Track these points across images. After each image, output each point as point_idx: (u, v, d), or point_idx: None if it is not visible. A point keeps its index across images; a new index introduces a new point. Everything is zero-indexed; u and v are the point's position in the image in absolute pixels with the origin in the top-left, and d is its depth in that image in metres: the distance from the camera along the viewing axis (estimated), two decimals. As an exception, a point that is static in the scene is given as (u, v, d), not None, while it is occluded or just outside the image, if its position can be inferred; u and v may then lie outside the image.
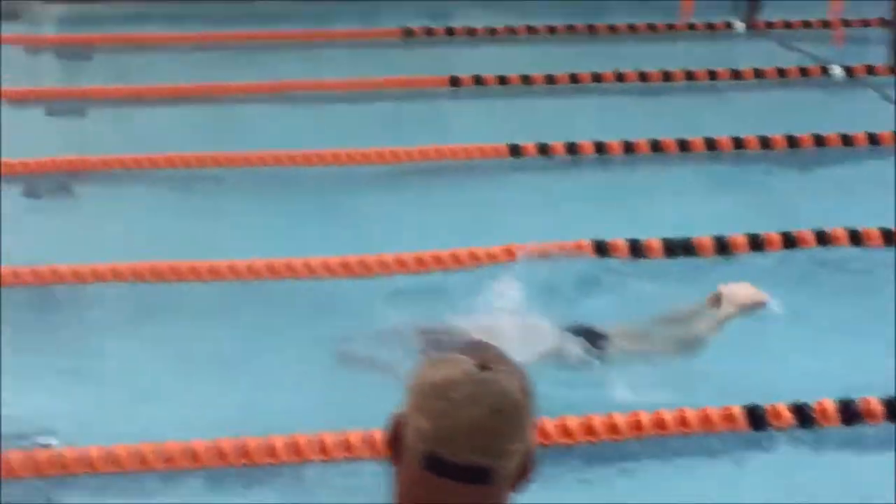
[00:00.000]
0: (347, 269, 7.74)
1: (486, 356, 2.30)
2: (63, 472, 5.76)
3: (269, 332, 7.09)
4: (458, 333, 6.47)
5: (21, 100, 11.18)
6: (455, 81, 11.63)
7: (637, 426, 6.06)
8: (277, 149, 9.76)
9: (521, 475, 2.33)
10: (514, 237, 8.05)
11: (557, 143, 9.89)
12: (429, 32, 13.37)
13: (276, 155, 9.71)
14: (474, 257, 7.89)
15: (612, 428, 6.05)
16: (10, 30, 13.42)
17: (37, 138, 10.39)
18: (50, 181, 9.28)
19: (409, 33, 13.28)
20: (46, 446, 5.91)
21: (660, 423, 6.09)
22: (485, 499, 2.25)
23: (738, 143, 10.06)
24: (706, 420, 6.15)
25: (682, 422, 6.12)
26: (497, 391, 2.25)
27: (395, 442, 2.31)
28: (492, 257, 7.90)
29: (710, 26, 13.76)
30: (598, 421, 6.06)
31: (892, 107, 11.13)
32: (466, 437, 2.22)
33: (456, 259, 7.88)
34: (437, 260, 7.87)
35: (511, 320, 6.71)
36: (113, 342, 7.10)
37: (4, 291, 7.47)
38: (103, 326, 7.31)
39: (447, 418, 2.22)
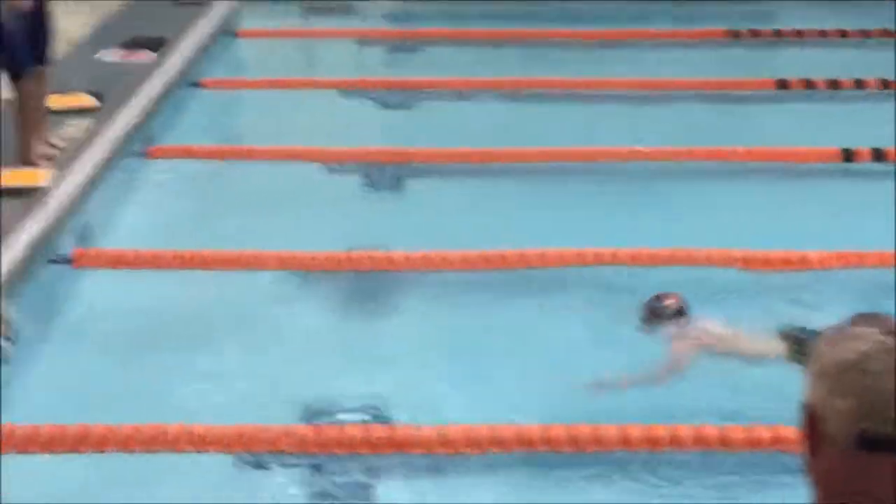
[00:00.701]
0: (658, 260, 7.74)
1: (887, 324, 2.28)
2: (375, 450, 5.93)
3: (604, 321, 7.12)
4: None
5: (352, 90, 11.61)
6: (782, 84, 11.38)
7: None
8: (591, 146, 9.80)
9: None
10: (838, 243, 7.83)
11: (891, 148, 9.53)
12: (754, 34, 13.14)
13: (603, 151, 9.75)
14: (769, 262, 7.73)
15: None
16: (343, 24, 14.01)
17: (367, 128, 10.79)
18: (381, 170, 9.58)
19: (734, 34, 13.07)
20: (363, 423, 6.11)
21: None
22: None
23: None
24: None
25: None
26: None
27: (812, 431, 2.29)
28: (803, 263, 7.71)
29: None
30: None
31: None
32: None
33: (766, 261, 7.74)
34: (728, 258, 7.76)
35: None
36: (436, 325, 7.28)
37: (341, 275, 7.77)
38: (430, 310, 7.50)
39: (871, 392, 2.21)
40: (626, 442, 5.91)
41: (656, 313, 6.68)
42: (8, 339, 6.62)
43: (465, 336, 7.10)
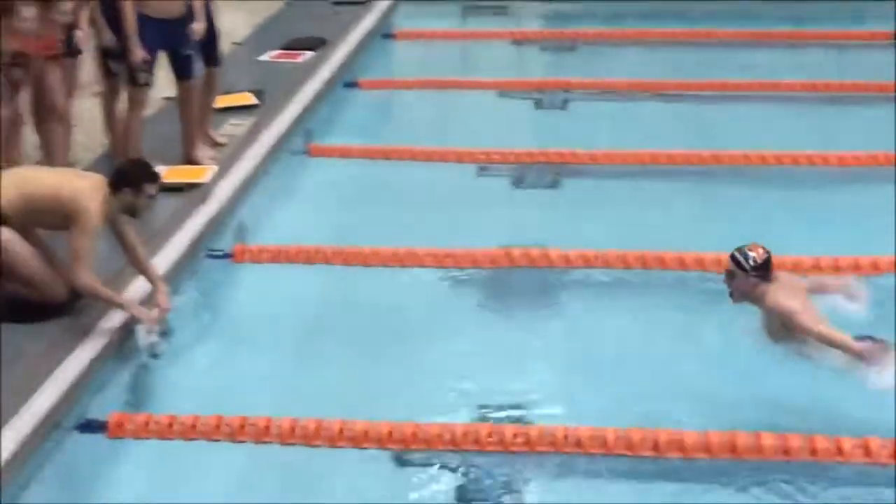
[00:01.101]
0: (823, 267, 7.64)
1: None
2: (527, 448, 5.93)
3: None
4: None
5: (508, 91, 11.65)
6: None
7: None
8: (760, 148, 9.64)
9: None
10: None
11: None
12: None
13: (762, 155, 9.59)
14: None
15: None
16: (499, 25, 14.05)
17: (523, 129, 10.80)
18: (536, 171, 9.59)
19: (899, 36, 12.77)
20: (515, 421, 6.12)
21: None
22: None
23: None
24: None
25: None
26: None
27: None
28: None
29: None
30: None
31: None
32: None
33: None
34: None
35: None
36: (591, 324, 7.26)
37: (500, 272, 7.81)
38: (582, 308, 7.49)
39: None
40: (786, 452, 5.88)
41: (741, 265, 6.25)
42: (163, 333, 6.81)
43: (619, 335, 7.06)
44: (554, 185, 9.40)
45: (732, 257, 6.30)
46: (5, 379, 6.01)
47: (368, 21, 13.70)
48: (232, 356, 6.92)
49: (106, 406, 6.24)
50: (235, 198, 8.82)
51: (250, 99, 10.32)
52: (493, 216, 8.76)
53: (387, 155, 9.83)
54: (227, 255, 8.06)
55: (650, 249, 7.89)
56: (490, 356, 6.84)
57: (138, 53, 8.25)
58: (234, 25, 12.67)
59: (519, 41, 13.62)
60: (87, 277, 6.59)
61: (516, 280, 7.76)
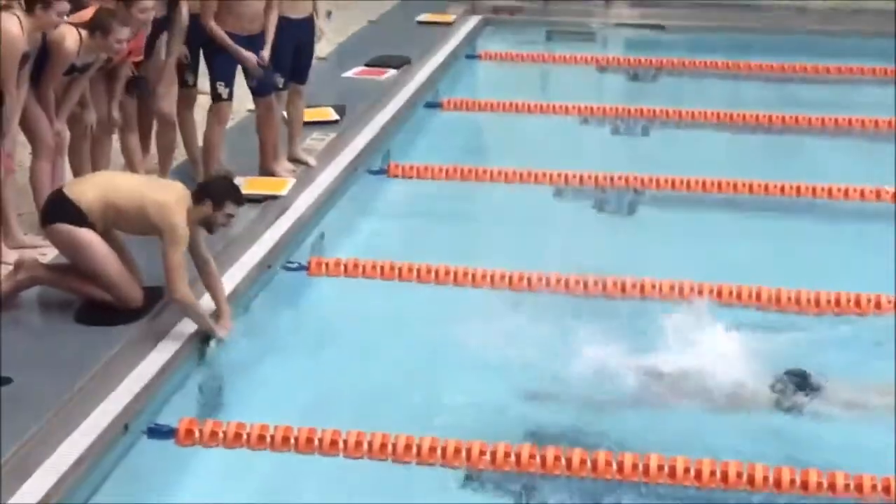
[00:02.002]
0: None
1: None
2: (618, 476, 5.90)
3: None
4: None
5: (589, 117, 11.62)
6: None
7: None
8: (839, 182, 9.53)
9: None
10: None
11: None
12: None
13: (843, 189, 9.49)
14: None
15: None
16: (584, 50, 14.02)
17: (602, 154, 10.76)
18: (614, 196, 9.55)
19: None
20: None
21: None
22: None
23: None
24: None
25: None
26: None
27: None
28: None
29: None
30: None
31: None
32: None
33: None
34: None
35: None
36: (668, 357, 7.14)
37: (571, 299, 7.77)
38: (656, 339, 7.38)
39: None
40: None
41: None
42: (219, 340, 6.86)
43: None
44: (631, 211, 9.36)
45: None
46: (79, 381, 6.08)
47: (453, 41, 13.74)
48: (303, 367, 6.94)
49: (176, 412, 6.29)
50: (313, 212, 8.87)
51: (331, 114, 10.38)
52: (569, 240, 8.70)
53: (465, 176, 9.83)
54: (302, 268, 8.10)
55: (726, 282, 7.81)
56: (559, 383, 6.80)
57: (252, 57, 8.36)
58: (318, 42, 12.77)
59: (603, 67, 13.60)
60: (185, 291, 6.66)
61: (588, 308, 7.69)
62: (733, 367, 6.78)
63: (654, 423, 6.43)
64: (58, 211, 6.76)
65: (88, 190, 6.78)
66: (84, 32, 7.45)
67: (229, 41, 8.32)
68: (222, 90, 8.47)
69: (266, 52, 8.49)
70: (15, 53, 7.07)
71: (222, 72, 8.46)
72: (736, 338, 7.07)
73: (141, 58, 8.25)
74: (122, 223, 6.80)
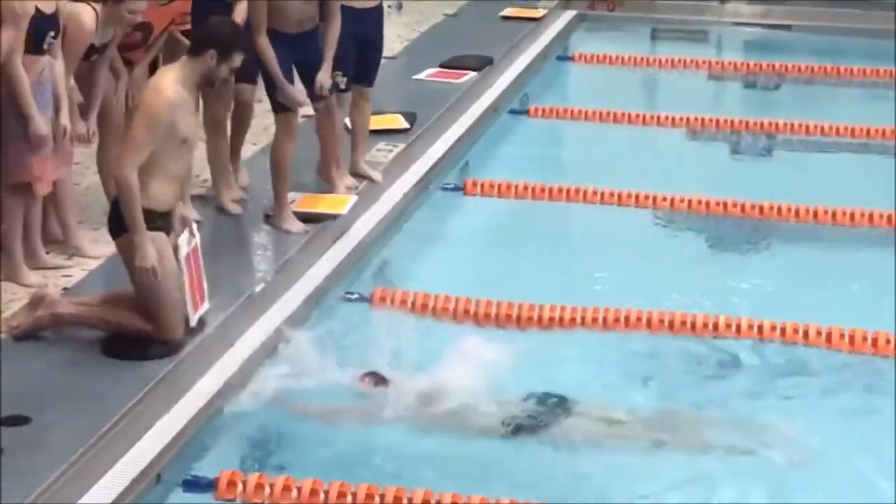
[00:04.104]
0: None
1: None
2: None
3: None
4: None
5: (700, 131, 11.62)
6: None
7: None
8: None
9: None
10: None
11: None
12: None
13: None
14: None
15: None
16: (695, 52, 13.99)
17: (715, 176, 10.73)
18: (729, 226, 9.53)
19: None
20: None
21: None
22: None
23: None
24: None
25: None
26: None
27: None
28: None
29: None
30: None
31: None
32: None
33: None
34: None
35: None
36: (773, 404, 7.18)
37: (679, 341, 7.78)
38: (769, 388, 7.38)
39: None
40: None
41: None
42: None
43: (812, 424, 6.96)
44: (750, 245, 9.33)
45: None
46: (105, 423, 6.15)
47: (542, 40, 13.81)
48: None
49: (216, 462, 6.35)
50: (377, 235, 8.93)
51: (400, 122, 10.45)
52: (674, 275, 8.69)
53: (553, 195, 9.87)
54: (363, 299, 8.15)
55: (859, 327, 7.79)
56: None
57: (295, 94, 8.38)
58: (387, 38, 12.84)
59: (717, 73, 13.58)
60: (131, 173, 6.56)
61: (697, 353, 7.69)
62: None
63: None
64: (119, 222, 6.75)
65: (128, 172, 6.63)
66: (98, 6, 7.61)
67: (278, 71, 8.28)
68: (282, 98, 8.46)
69: (324, 76, 8.48)
70: (82, 45, 7.41)
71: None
72: None
73: (188, 26, 8.35)
74: (141, 156, 6.61)
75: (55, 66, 7.41)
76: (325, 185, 9.01)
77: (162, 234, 6.77)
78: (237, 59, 6.87)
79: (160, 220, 6.75)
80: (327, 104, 8.72)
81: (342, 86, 8.91)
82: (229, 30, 7.02)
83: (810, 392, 7.33)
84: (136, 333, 6.79)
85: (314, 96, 8.58)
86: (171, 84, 6.70)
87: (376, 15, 9.11)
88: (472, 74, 12.00)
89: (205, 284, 7.08)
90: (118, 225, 6.77)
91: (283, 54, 8.35)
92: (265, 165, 8.63)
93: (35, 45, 7.26)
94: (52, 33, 7.32)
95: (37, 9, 7.21)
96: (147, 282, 6.67)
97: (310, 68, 8.52)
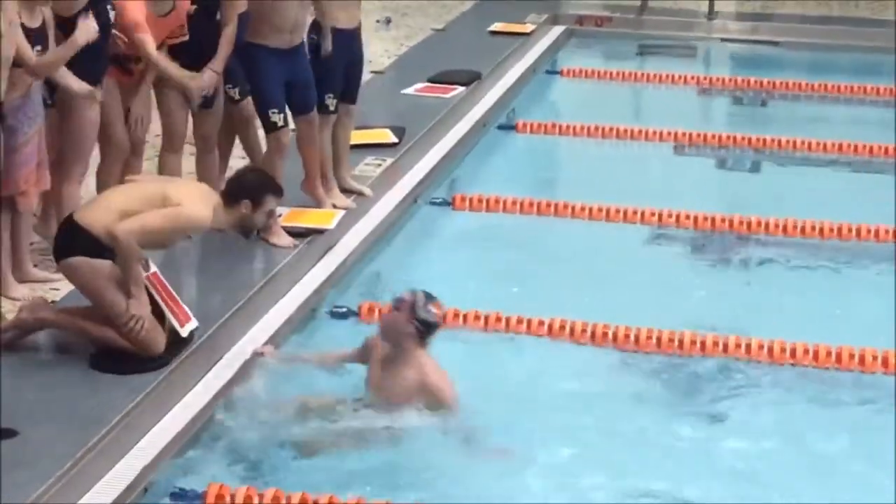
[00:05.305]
0: None
1: None
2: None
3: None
4: None
5: (688, 146, 11.65)
6: None
7: None
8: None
9: None
10: None
11: None
12: None
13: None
14: None
15: None
16: (682, 67, 14.05)
17: (702, 191, 10.76)
18: (715, 240, 9.56)
19: None
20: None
21: None
22: None
23: None
24: None
25: None
26: None
27: None
28: None
29: None
30: None
31: None
32: None
33: None
34: None
35: None
36: (767, 421, 7.16)
37: (667, 358, 7.78)
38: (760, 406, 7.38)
39: None
40: None
41: (415, 307, 6.74)
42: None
43: (797, 438, 6.98)
44: (738, 258, 9.35)
45: (414, 294, 6.75)
46: (93, 436, 6.15)
47: (531, 55, 13.85)
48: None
49: (204, 476, 6.33)
50: (365, 249, 8.94)
51: (388, 137, 10.47)
52: (661, 292, 8.70)
53: (542, 210, 9.89)
54: (352, 314, 8.16)
55: (846, 344, 7.80)
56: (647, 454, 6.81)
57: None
58: (375, 53, 12.89)
59: (704, 89, 13.63)
60: (131, 237, 6.64)
61: (685, 369, 7.70)
62: None
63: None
64: (70, 243, 6.84)
65: (100, 213, 6.82)
66: None
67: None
68: (276, 117, 8.48)
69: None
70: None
71: (271, 96, 8.48)
72: None
73: (184, 38, 8.38)
74: (146, 238, 6.79)
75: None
76: (313, 198, 9.02)
77: (108, 262, 6.79)
78: (272, 203, 7.01)
79: (107, 253, 6.78)
80: (309, 119, 8.73)
81: (332, 108, 8.94)
82: (258, 177, 7.18)
83: (796, 409, 7.36)
84: (122, 347, 6.82)
85: (300, 109, 8.64)
86: (210, 209, 6.84)
87: (359, 33, 9.14)
88: (460, 89, 12.02)
89: (184, 307, 7.10)
90: (64, 248, 6.84)
91: (275, 72, 8.39)
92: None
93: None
94: (38, 48, 7.32)
95: (22, 25, 7.21)
96: (135, 328, 6.75)
97: (298, 86, 8.57)
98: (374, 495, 6.18)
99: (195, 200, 6.83)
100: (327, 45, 8.80)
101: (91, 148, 8.01)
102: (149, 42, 8.00)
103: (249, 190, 6.94)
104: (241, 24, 8.49)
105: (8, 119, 7.22)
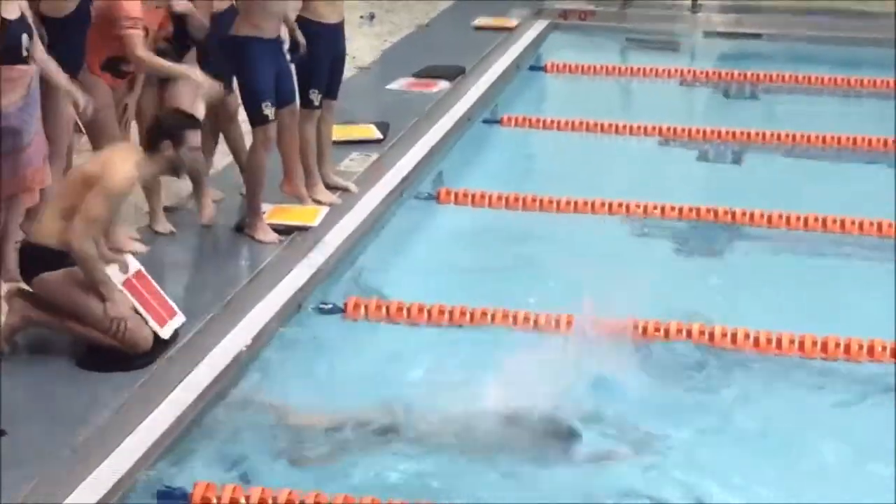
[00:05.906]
0: None
1: None
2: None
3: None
4: None
5: (672, 139, 11.67)
6: None
7: None
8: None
9: None
10: None
11: None
12: None
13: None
14: None
15: None
16: (667, 62, 14.09)
17: (687, 184, 10.79)
18: (701, 230, 9.58)
19: None
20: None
21: None
22: None
23: None
24: None
25: None
26: None
27: None
28: None
29: None
30: None
31: None
32: None
33: None
34: None
35: None
36: (754, 414, 7.19)
37: (652, 347, 7.81)
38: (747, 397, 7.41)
39: None
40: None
41: None
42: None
43: (782, 428, 7.01)
44: (722, 250, 9.37)
45: None
46: (81, 434, 6.16)
47: (514, 50, 13.85)
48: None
49: (191, 474, 6.33)
50: (350, 245, 8.94)
51: (373, 132, 10.48)
52: (648, 282, 8.69)
53: (527, 205, 9.91)
54: (337, 310, 8.16)
55: (832, 334, 7.83)
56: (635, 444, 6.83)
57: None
58: (360, 49, 12.89)
59: (688, 81, 13.66)
60: (87, 243, 6.69)
61: (670, 358, 7.72)
62: None
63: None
64: (32, 263, 6.88)
65: (48, 222, 6.87)
66: None
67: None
68: (268, 110, 8.47)
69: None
70: None
71: (265, 89, 8.46)
72: None
73: (166, 32, 8.38)
74: (96, 227, 6.79)
75: (40, 69, 7.38)
76: (293, 195, 9.02)
77: (74, 269, 6.80)
78: (193, 137, 7.04)
79: (68, 260, 6.80)
80: (290, 110, 8.72)
81: (317, 103, 8.95)
82: (173, 117, 7.23)
83: (787, 398, 7.39)
84: (109, 346, 6.82)
85: (285, 101, 8.64)
86: (132, 165, 6.83)
87: (343, 28, 9.14)
88: (444, 84, 12.03)
89: (169, 301, 7.12)
90: (31, 268, 6.87)
91: (266, 64, 8.39)
92: (237, 178, 8.64)
93: (14, 55, 7.19)
94: (25, 36, 7.27)
95: (2, 19, 7.17)
96: (118, 329, 6.77)
97: (283, 75, 8.58)
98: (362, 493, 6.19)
99: (114, 163, 6.83)
100: (299, 38, 8.80)
101: (67, 143, 7.99)
102: (137, 37, 7.95)
103: (166, 130, 6.97)
104: (224, 20, 8.49)
105: (12, 120, 7.19)
